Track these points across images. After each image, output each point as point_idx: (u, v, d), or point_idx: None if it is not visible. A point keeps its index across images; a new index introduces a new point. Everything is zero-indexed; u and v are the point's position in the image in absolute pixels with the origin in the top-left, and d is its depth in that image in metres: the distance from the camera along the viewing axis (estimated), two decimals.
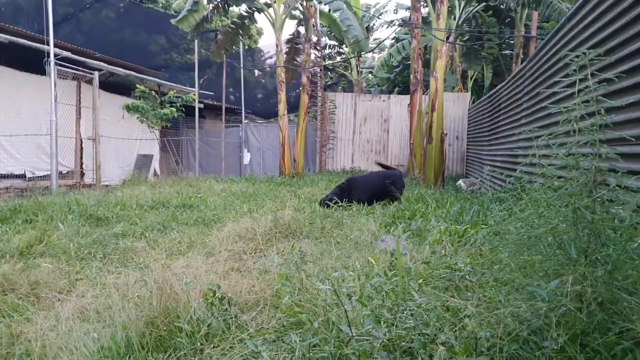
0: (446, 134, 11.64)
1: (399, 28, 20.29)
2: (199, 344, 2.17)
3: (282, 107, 15.57)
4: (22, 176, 11.88)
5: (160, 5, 23.76)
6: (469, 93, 18.03)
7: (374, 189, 7.93)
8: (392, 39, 20.91)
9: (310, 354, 1.97)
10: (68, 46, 12.12)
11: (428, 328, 2.20)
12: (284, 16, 15.51)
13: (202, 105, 18.00)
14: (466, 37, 17.87)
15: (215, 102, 20.11)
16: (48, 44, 10.49)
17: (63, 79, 11.45)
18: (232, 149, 19.79)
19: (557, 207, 2.20)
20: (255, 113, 25.72)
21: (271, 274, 3.20)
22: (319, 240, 4.86)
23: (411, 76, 13.27)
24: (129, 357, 2.05)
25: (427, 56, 13.21)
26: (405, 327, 2.17)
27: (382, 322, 2.24)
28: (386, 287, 2.71)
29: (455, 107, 16.74)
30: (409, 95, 14.47)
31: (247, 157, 19.96)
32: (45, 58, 10.47)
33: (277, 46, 15.83)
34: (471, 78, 20.19)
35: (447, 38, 11.80)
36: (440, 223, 5.27)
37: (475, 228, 4.71)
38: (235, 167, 19.74)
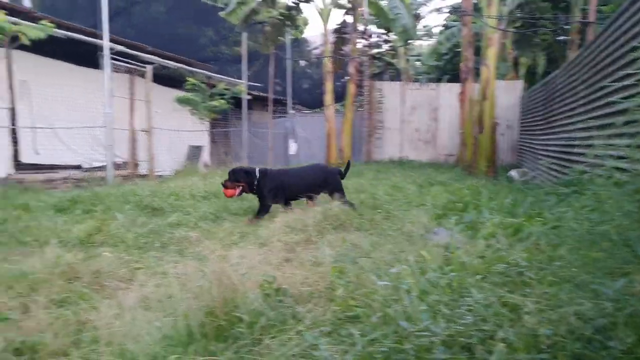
0: (498, 123, 11.39)
1: (449, 15, 19.89)
2: (257, 334, 2.21)
3: (328, 97, 15.57)
4: (78, 167, 12.31)
5: None
6: (521, 81, 17.54)
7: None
8: (441, 26, 20.51)
9: (371, 348, 1.97)
10: (121, 40, 12.43)
11: (486, 324, 2.17)
12: (331, 6, 15.46)
13: (250, 97, 18.18)
14: (519, 24, 17.35)
15: (262, 94, 20.27)
16: (102, 39, 10.81)
17: (117, 72, 11.76)
18: (279, 140, 19.93)
19: (621, 203, 2.13)
20: (301, 103, 25.83)
21: (324, 266, 3.21)
22: (369, 232, 4.85)
23: (461, 64, 13.01)
24: (191, 345, 2.10)
25: (478, 43, 12.91)
26: (463, 323, 2.14)
27: (439, 317, 2.22)
28: (442, 281, 2.69)
29: (507, 96, 16.29)
30: (458, 84, 14.21)
31: (293, 148, 20.05)
32: (100, 52, 10.79)
33: (324, 36, 15.80)
34: (523, 65, 19.62)
35: (499, 25, 11.48)
36: (493, 215, 5.16)
37: (530, 222, 4.59)
38: (282, 158, 19.88)
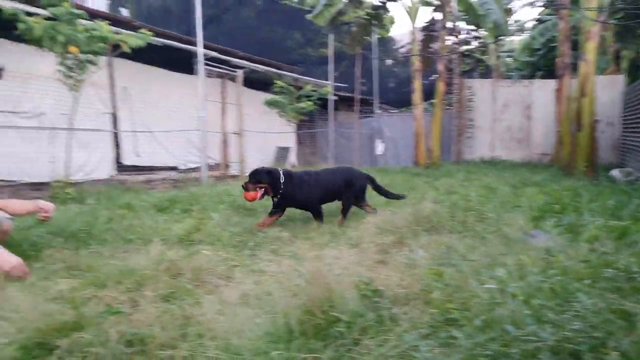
0: (598, 120, 10.74)
1: (543, 9, 19.02)
2: (355, 334, 2.21)
3: (416, 96, 15.34)
4: (175, 168, 12.93)
5: (295, 1, 24.45)
6: (623, 75, 16.45)
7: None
8: (534, 21, 19.65)
9: (475, 351, 1.92)
10: (214, 46, 12.92)
11: (596, 331, 2.05)
12: (419, 4, 15.25)
13: (335, 98, 18.30)
14: (620, 15, 16.27)
15: (348, 94, 20.34)
16: (196, 45, 11.29)
17: (209, 77, 12.23)
18: (365, 140, 19.89)
19: None
20: (387, 103, 25.66)
21: (419, 268, 3.16)
22: (462, 234, 4.72)
23: (558, 60, 12.40)
24: (292, 342, 2.14)
25: (575, 37, 12.25)
26: (571, 329, 2.04)
27: (544, 322, 2.13)
28: (544, 286, 2.57)
29: (607, 91, 15.31)
30: (553, 80, 13.55)
31: (380, 148, 19.95)
32: (195, 58, 11.27)
33: (412, 34, 15.61)
34: (625, 58, 18.39)
35: (599, 17, 10.82)
36: (595, 218, 4.87)
37: (637, 225, 4.28)
38: (369, 158, 19.83)
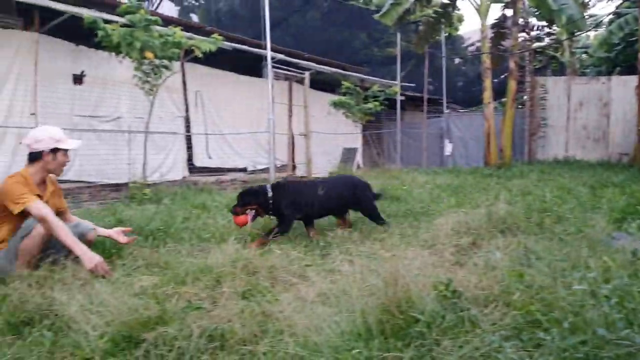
0: None
1: (621, 2, 18.09)
2: (434, 334, 2.17)
3: (487, 95, 14.98)
4: (244, 169, 13.20)
5: (361, 1, 24.43)
6: None
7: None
8: (612, 15, 18.71)
9: (566, 353, 1.86)
10: (280, 49, 13.11)
11: None
12: (489, 1, 14.88)
13: (403, 98, 18.13)
14: None
15: (415, 94, 20.12)
16: (263, 48, 11.49)
17: (277, 79, 12.41)
18: (433, 140, 19.60)
19: None
20: (455, 102, 25.17)
21: (497, 270, 3.07)
22: (539, 236, 4.55)
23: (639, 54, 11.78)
24: (371, 341, 2.12)
25: None
26: None
27: (636, 326, 2.05)
28: (634, 289, 2.46)
29: None
30: (634, 76, 12.87)
31: (448, 148, 19.61)
32: (264, 62, 11.46)
33: (481, 32, 15.25)
34: None
35: None
36: None
37: None
38: (437, 159, 19.53)
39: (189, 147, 11.79)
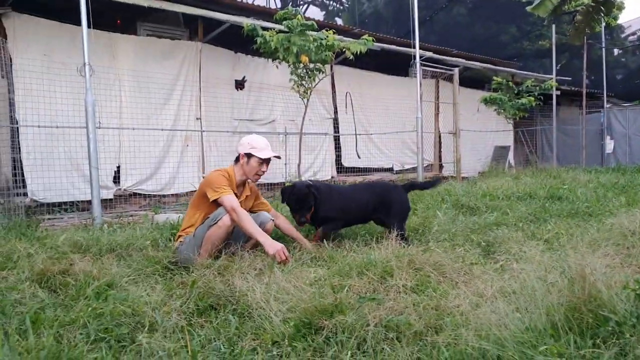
0: None
1: None
2: (628, 335, 2.02)
3: None
4: (390, 169, 13.23)
5: None
6: None
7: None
8: None
9: None
10: (427, 47, 12.94)
11: None
12: None
13: (558, 92, 17.01)
14: None
15: (571, 88, 18.78)
16: (410, 47, 11.42)
17: (423, 77, 12.27)
18: (592, 137, 18.14)
19: None
20: (616, 96, 23.09)
21: None
22: None
23: None
24: (558, 339, 2.04)
25: None
26: None
27: None
28: None
29: None
30: None
31: (610, 145, 18.07)
32: (413, 61, 11.40)
33: None
34: None
35: None
36: None
37: None
38: (596, 157, 18.06)
39: (337, 148, 12.08)
